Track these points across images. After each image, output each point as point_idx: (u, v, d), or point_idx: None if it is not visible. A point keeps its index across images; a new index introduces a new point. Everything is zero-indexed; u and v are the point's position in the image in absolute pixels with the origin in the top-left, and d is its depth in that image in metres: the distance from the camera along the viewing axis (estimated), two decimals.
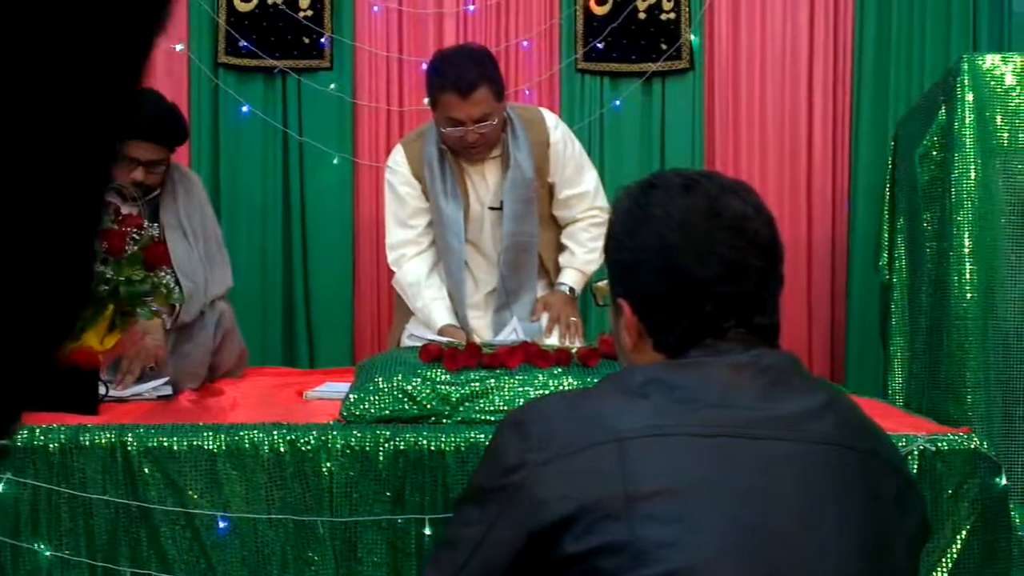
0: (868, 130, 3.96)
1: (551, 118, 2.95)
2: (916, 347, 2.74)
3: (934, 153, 2.68)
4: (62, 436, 1.88)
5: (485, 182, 2.88)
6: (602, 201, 2.95)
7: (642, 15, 3.97)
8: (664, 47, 3.96)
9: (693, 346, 1.10)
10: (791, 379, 1.08)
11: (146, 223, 2.17)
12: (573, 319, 2.84)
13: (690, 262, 1.10)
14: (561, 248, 3.00)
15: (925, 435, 2.01)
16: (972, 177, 2.51)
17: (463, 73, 2.66)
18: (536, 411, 1.07)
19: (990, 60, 2.58)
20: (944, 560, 1.97)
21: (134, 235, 2.10)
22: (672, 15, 3.97)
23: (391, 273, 3.02)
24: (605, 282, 1.23)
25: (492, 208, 2.89)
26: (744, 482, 1.01)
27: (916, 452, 1.96)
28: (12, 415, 0.40)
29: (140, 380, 2.35)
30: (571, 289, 2.93)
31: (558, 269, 3.02)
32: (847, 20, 3.99)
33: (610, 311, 1.21)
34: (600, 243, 2.90)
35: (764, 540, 0.98)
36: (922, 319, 2.70)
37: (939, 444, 1.98)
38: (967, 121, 2.54)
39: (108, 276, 2.02)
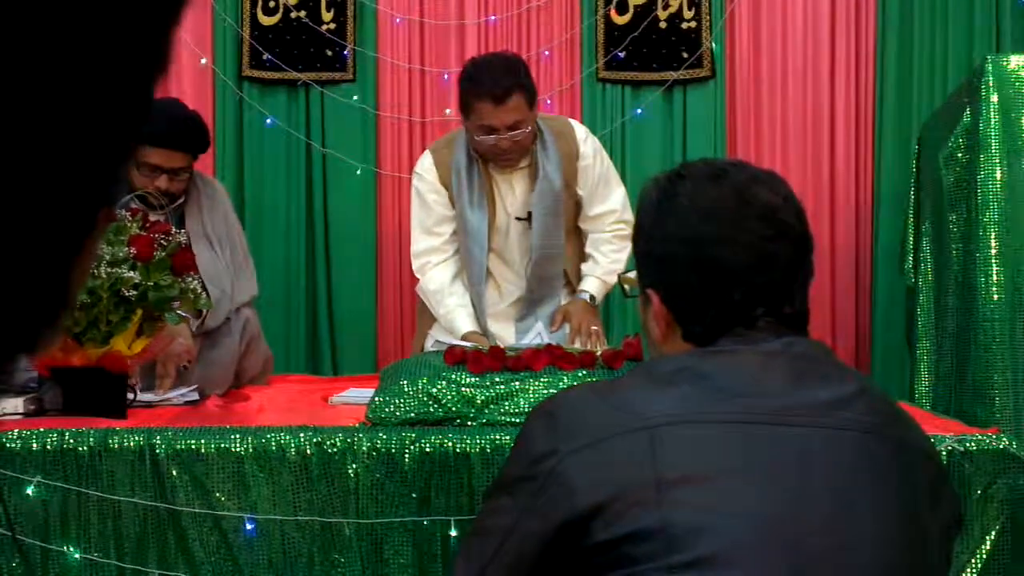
0: (892, 134, 3.95)
1: (581, 130, 2.94)
2: (943, 350, 2.72)
3: (959, 155, 2.67)
4: (91, 439, 1.89)
5: (513, 192, 2.88)
6: (629, 216, 2.94)
7: (663, 24, 3.98)
8: (685, 55, 3.97)
9: (723, 335, 1.10)
10: (822, 367, 1.08)
11: (174, 229, 2.19)
12: (594, 328, 2.83)
13: (719, 252, 1.09)
14: (584, 257, 3.00)
15: (953, 435, 1.99)
16: (998, 178, 2.50)
17: (498, 80, 2.65)
18: (566, 401, 1.07)
19: (1015, 61, 2.57)
20: (973, 561, 1.94)
21: (161, 241, 2.12)
22: (693, 23, 3.98)
23: (414, 281, 3.02)
24: (633, 272, 1.24)
25: (519, 219, 2.89)
26: (776, 469, 1.00)
27: (944, 453, 1.94)
28: None
29: (176, 381, 2.38)
30: (592, 297, 2.92)
31: (580, 278, 3.02)
32: (869, 24, 3.99)
33: (639, 301, 1.21)
34: (623, 255, 2.91)
35: (796, 527, 0.98)
36: (949, 321, 2.68)
37: (967, 444, 1.96)
38: (992, 122, 2.53)
39: (137, 281, 2.03)
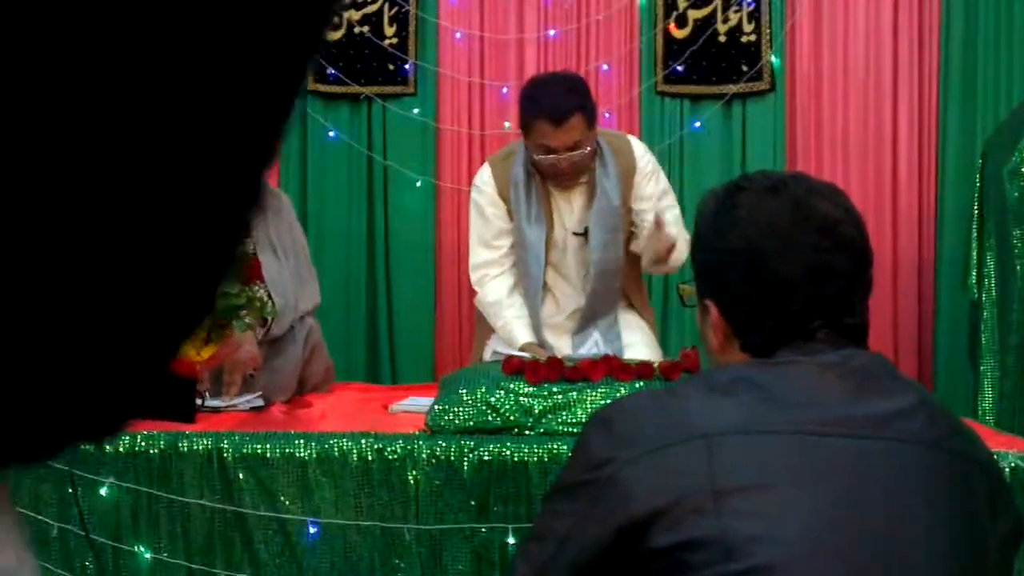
0: (955, 148, 3.90)
1: (639, 147, 2.94)
2: (1007, 366, 2.69)
3: (1023, 170, 2.64)
4: (162, 442, 1.95)
5: (571, 207, 2.89)
6: (684, 234, 2.89)
7: (722, 37, 3.98)
8: (745, 68, 3.97)
9: (781, 347, 1.11)
10: (881, 379, 1.08)
11: None
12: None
13: (777, 264, 1.11)
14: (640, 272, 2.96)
15: (1017, 452, 1.97)
16: None
17: (558, 101, 2.66)
18: (624, 408, 1.09)
19: None
20: None
21: None
22: (753, 37, 3.97)
23: (473, 292, 3.05)
24: (691, 283, 1.25)
25: (576, 234, 2.90)
26: (832, 480, 1.01)
27: (1008, 469, 1.92)
28: (123, 416, 0.41)
29: (242, 388, 2.43)
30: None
31: (637, 291, 3.02)
32: (932, 38, 3.94)
33: (697, 312, 1.23)
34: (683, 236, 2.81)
35: (853, 538, 0.99)
36: (1013, 337, 2.65)
37: None
38: None
39: None
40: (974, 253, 3.02)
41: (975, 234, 3.06)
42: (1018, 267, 2.62)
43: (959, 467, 1.05)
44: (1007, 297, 2.72)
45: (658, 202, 2.91)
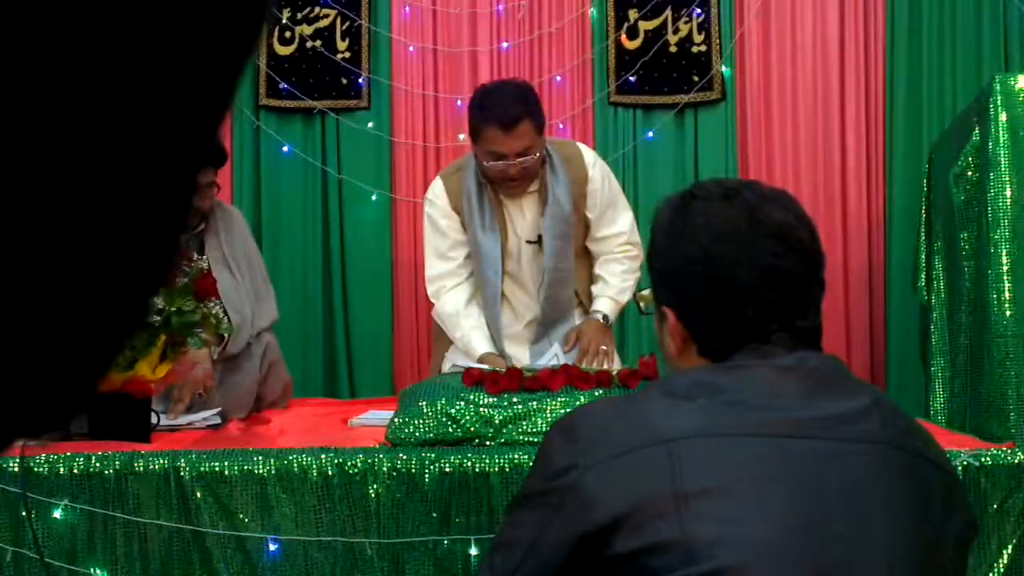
0: (902, 154, 3.98)
1: (589, 154, 2.98)
2: (957, 366, 2.74)
3: (969, 174, 2.69)
4: (117, 462, 1.93)
5: (523, 216, 2.91)
6: (637, 238, 2.98)
7: (673, 48, 4.03)
8: (696, 79, 4.01)
9: (737, 351, 1.13)
10: (836, 381, 1.10)
11: (195, 255, 2.23)
12: (604, 347, 2.86)
13: (732, 270, 1.12)
14: (594, 279, 3.03)
15: (968, 450, 2.01)
16: (1007, 195, 2.52)
17: (506, 108, 2.69)
18: (585, 416, 1.10)
19: (1022, 80, 2.59)
20: (991, 575, 1.95)
21: (184, 267, 2.16)
22: (703, 47, 4.02)
23: (430, 304, 3.06)
24: (649, 290, 1.26)
25: (529, 242, 2.92)
26: (791, 481, 1.02)
27: (960, 468, 1.95)
28: (47, 423, 0.40)
29: (191, 408, 2.41)
30: (605, 316, 2.95)
31: (591, 298, 3.05)
32: (878, 46, 4.02)
33: (655, 318, 1.24)
34: (633, 276, 2.94)
35: (813, 539, 1.00)
36: (962, 338, 2.69)
37: (983, 459, 1.98)
38: (1001, 141, 2.55)
39: (160, 307, 2.07)
40: (923, 256, 3.07)
41: (923, 237, 3.12)
42: (966, 269, 2.67)
43: (914, 466, 1.07)
44: (956, 299, 2.77)
45: (610, 210, 2.95)
